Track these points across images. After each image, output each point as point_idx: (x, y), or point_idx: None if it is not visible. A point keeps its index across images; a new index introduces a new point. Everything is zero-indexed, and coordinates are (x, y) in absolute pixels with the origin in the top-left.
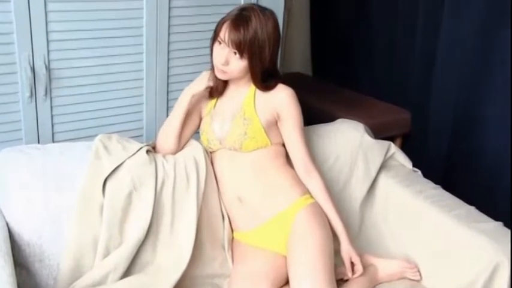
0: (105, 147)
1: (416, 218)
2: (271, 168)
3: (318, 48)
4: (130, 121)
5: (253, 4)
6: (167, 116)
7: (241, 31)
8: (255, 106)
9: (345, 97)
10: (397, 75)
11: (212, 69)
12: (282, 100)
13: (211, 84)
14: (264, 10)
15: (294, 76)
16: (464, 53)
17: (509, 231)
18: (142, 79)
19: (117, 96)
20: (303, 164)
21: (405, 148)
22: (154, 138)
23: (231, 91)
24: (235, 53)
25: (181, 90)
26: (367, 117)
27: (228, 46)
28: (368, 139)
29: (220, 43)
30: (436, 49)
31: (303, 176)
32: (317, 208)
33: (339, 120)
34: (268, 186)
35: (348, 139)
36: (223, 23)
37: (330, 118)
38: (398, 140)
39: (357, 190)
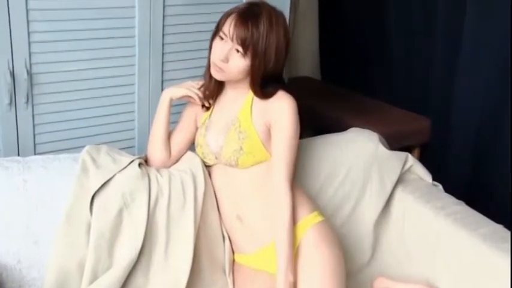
0: (93, 160)
1: (437, 237)
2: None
3: (327, 50)
4: (121, 131)
5: (264, 2)
6: None
7: (249, 26)
8: (251, 116)
9: (357, 103)
10: (415, 79)
11: (208, 69)
12: (277, 109)
13: (190, 93)
14: (274, 9)
15: (302, 80)
16: (489, 55)
17: None
18: (134, 84)
19: (106, 103)
20: (277, 189)
21: (424, 159)
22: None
23: (228, 98)
24: (237, 50)
25: None
26: (381, 125)
27: (232, 41)
28: (383, 150)
29: (222, 38)
30: (459, 50)
31: (273, 198)
32: (326, 226)
33: (351, 130)
34: (270, 204)
35: (360, 150)
36: (228, 16)
37: (340, 126)
38: (417, 151)
39: (370, 207)
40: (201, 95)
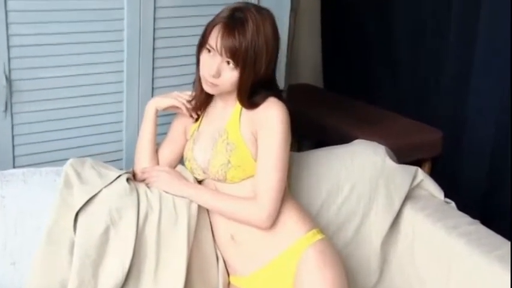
0: (78, 174)
1: (449, 259)
2: None
3: (330, 56)
4: (108, 142)
5: (248, 3)
6: None
7: (237, 36)
8: (240, 127)
9: (363, 113)
10: (426, 87)
11: (198, 81)
12: (263, 118)
13: (176, 103)
14: (260, 10)
15: (302, 88)
16: (506, 61)
17: None
18: (122, 92)
19: (92, 112)
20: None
21: (435, 174)
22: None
23: (217, 109)
24: (228, 63)
25: None
26: (389, 137)
27: (221, 55)
28: (391, 164)
29: (209, 51)
30: (474, 55)
31: None
32: (327, 245)
33: (356, 142)
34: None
35: (366, 164)
36: (213, 27)
37: (344, 138)
38: (427, 165)
39: (377, 226)
40: (188, 105)
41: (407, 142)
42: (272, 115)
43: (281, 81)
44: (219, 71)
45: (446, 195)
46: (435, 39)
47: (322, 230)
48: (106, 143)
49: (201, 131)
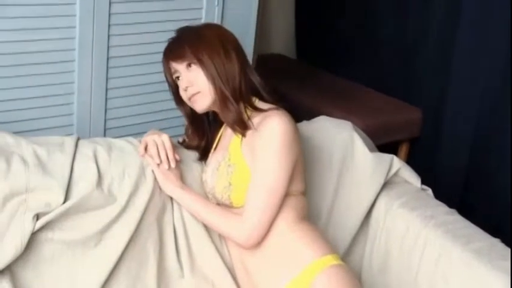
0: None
1: (423, 251)
2: (279, 226)
3: (304, 24)
4: (58, 116)
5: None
6: (105, 110)
7: (175, 44)
8: (241, 145)
9: (337, 88)
10: (406, 63)
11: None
12: (263, 129)
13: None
14: (199, 25)
15: (273, 58)
16: (491, 37)
17: None
18: (73, 61)
19: (40, 82)
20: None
21: (412, 157)
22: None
23: (228, 132)
24: (188, 65)
25: (124, 76)
26: (363, 114)
27: (180, 71)
28: (362, 151)
29: (177, 78)
30: (456, 31)
31: None
32: (342, 271)
33: (318, 118)
34: (275, 251)
35: (333, 147)
36: (162, 62)
37: (314, 115)
38: (405, 146)
39: (344, 225)
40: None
41: (383, 121)
42: (267, 127)
43: (250, 50)
44: (189, 81)
45: (423, 180)
46: (418, 10)
47: (340, 257)
48: (55, 116)
49: (212, 155)
